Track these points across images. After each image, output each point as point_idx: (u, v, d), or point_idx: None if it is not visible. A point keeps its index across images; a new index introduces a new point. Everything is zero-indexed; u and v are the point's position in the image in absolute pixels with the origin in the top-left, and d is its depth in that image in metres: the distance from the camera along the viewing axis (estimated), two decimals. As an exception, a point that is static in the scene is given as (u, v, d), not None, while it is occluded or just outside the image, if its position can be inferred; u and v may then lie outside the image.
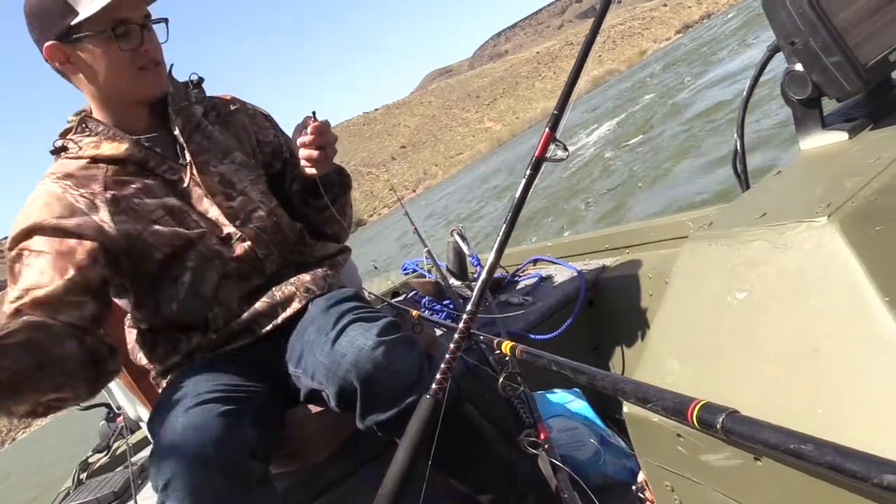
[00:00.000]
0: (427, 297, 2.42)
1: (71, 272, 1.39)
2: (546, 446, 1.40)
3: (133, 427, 2.83)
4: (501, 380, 1.24)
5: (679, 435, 0.72)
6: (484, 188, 29.63)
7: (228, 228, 1.57)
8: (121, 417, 2.89)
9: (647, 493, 1.24)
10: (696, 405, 0.64)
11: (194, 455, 1.23)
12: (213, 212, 1.56)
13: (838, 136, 0.85)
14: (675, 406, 0.68)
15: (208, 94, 1.76)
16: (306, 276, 1.64)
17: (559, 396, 1.72)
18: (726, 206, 0.90)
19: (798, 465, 0.57)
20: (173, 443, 1.25)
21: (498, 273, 2.51)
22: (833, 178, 0.74)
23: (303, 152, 1.54)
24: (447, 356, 1.23)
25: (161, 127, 1.61)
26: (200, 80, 1.73)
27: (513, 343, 1.17)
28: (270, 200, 1.67)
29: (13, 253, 1.44)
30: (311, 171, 1.56)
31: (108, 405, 3.11)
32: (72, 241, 1.42)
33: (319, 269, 1.68)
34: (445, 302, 2.34)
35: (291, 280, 1.63)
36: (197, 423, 1.27)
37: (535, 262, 2.56)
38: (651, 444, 0.78)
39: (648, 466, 0.81)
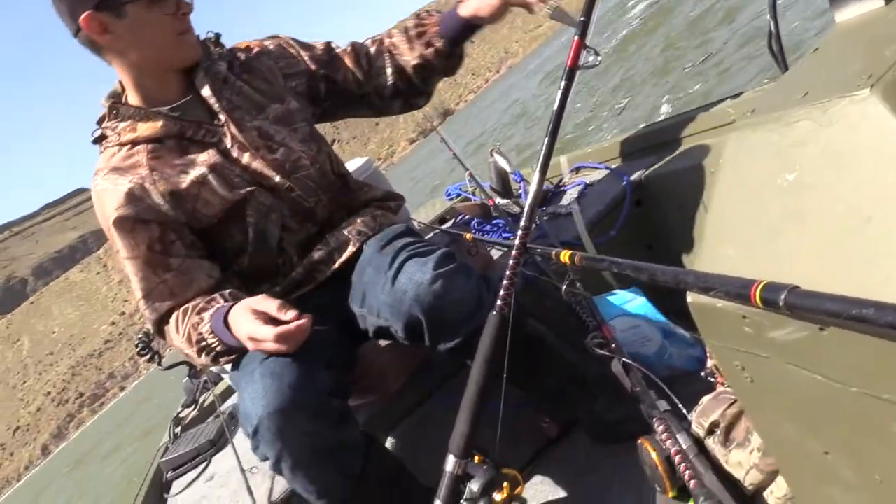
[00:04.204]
0: (476, 220, 2.46)
1: (162, 272, 1.53)
2: (613, 345, 1.45)
3: (215, 379, 2.97)
4: (564, 288, 1.27)
5: (744, 316, 0.75)
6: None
7: (275, 179, 1.60)
8: (203, 372, 3.05)
9: (717, 378, 1.29)
10: (758, 286, 0.67)
11: (276, 401, 1.30)
12: (258, 164, 1.59)
13: (874, 4, 0.84)
14: (737, 290, 0.71)
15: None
16: (357, 219, 1.68)
17: (618, 297, 1.75)
18: (767, 89, 0.90)
19: (861, 328, 0.60)
20: (254, 392, 1.33)
21: (542, 186, 2.52)
22: (871, 48, 0.74)
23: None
24: (507, 272, 1.27)
25: (191, 92, 1.62)
26: (218, 35, 1.73)
27: (571, 251, 1.20)
28: (311, 148, 1.70)
29: (115, 249, 1.57)
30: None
31: (188, 363, 3.27)
32: (143, 235, 1.53)
33: (369, 211, 1.72)
34: (494, 222, 2.38)
35: (343, 225, 1.68)
36: (273, 370, 1.35)
37: (577, 170, 2.57)
38: (718, 329, 0.82)
39: (717, 350, 0.85)
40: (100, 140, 1.62)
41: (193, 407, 3.10)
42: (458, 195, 3.12)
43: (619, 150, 2.42)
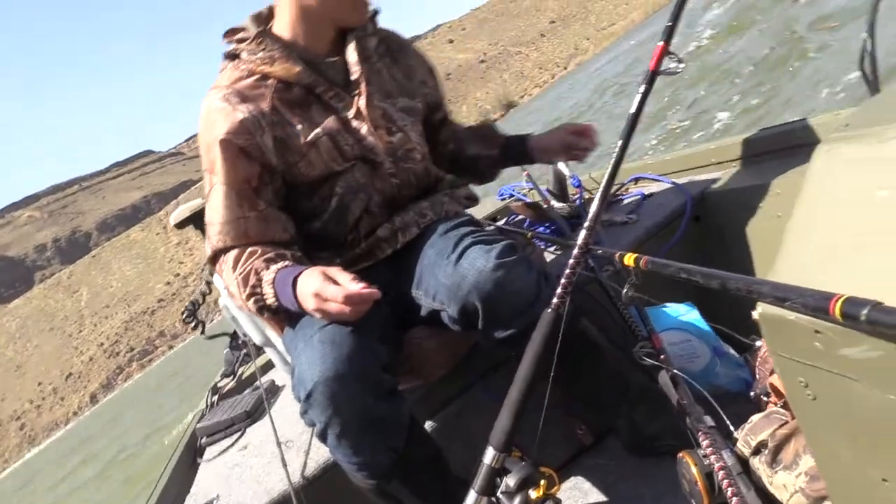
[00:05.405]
0: (529, 221, 2.45)
1: (247, 209, 1.54)
2: (662, 357, 1.43)
3: (256, 352, 3.02)
4: (625, 292, 1.26)
5: (817, 331, 0.73)
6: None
7: (383, 160, 1.63)
8: (244, 345, 3.10)
9: (771, 398, 1.26)
10: (839, 300, 0.66)
11: (333, 367, 1.32)
12: (372, 140, 1.62)
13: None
14: (815, 302, 0.69)
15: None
16: (425, 203, 1.70)
17: (671, 310, 1.73)
18: (860, 108, 0.89)
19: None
20: (312, 357, 1.35)
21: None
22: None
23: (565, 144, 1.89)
24: (567, 271, 1.27)
25: (337, 54, 1.65)
26: (376, 11, 1.74)
27: (636, 254, 1.19)
28: (425, 146, 1.74)
29: (204, 167, 1.58)
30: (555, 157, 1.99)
31: (231, 334, 3.34)
32: (243, 166, 1.53)
33: (438, 197, 1.74)
34: (547, 224, 2.36)
35: (410, 206, 1.69)
36: (333, 338, 1.36)
37: (636, 180, 2.54)
38: (786, 342, 0.80)
39: (782, 364, 0.83)
40: (232, 57, 1.62)
41: (232, 378, 3.15)
42: (511, 196, 3.12)
43: (680, 165, 2.39)
